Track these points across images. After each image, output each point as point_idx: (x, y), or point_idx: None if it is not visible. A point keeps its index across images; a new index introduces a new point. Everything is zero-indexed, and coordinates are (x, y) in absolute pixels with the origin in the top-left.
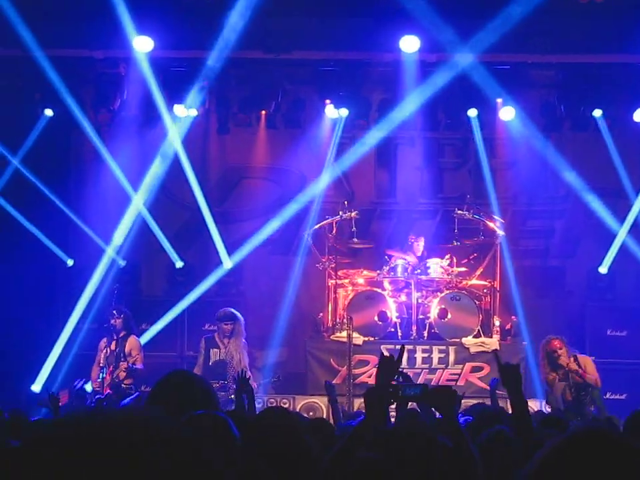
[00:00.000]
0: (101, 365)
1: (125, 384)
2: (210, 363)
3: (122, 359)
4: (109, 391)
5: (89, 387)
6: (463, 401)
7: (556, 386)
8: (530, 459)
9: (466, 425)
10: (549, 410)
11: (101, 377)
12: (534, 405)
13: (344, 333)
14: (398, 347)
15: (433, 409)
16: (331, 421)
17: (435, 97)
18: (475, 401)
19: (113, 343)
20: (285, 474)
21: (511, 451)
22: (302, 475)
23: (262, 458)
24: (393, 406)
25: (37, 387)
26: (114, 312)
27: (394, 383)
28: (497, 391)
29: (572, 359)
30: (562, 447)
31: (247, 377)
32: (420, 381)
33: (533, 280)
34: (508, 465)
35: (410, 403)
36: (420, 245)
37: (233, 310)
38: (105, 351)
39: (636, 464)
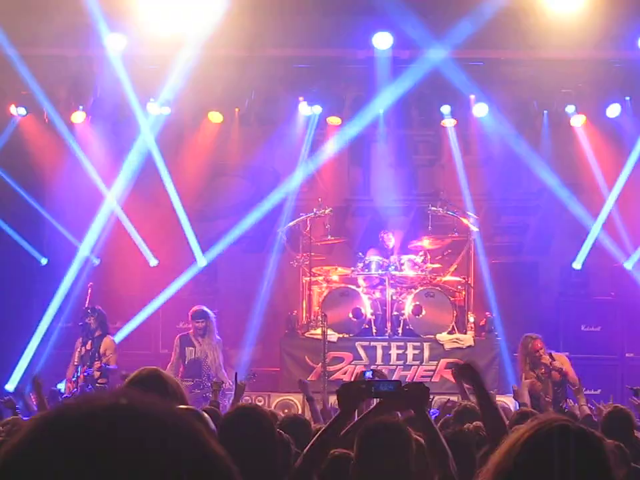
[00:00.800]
0: (76, 364)
1: (98, 383)
2: (185, 362)
3: (96, 359)
4: (83, 390)
5: (62, 386)
6: (437, 398)
7: (524, 384)
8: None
9: (434, 418)
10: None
11: (75, 376)
12: (508, 400)
13: (318, 330)
14: (373, 343)
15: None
16: (307, 417)
17: (408, 93)
18: (452, 398)
19: (89, 342)
20: (260, 470)
21: (482, 446)
22: (276, 471)
23: (236, 455)
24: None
25: (10, 386)
26: (88, 311)
27: (368, 379)
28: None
29: (548, 357)
30: (527, 436)
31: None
32: (395, 377)
33: (507, 276)
34: (480, 459)
35: None
36: (391, 240)
37: (204, 308)
38: (79, 350)
39: (597, 452)
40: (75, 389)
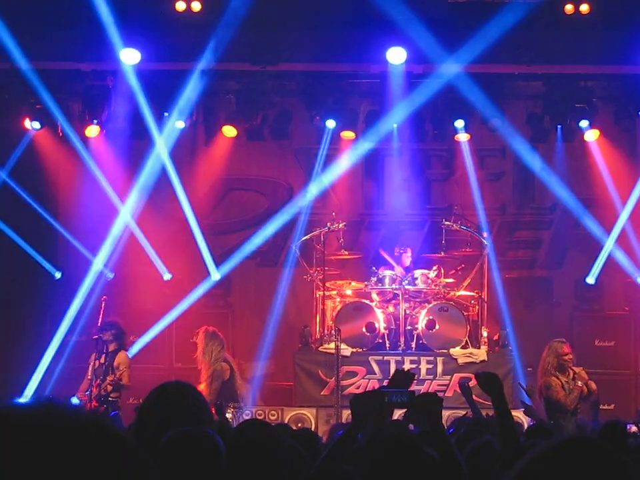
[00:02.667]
0: (89, 377)
1: (111, 397)
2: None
3: (110, 373)
4: (95, 404)
5: (75, 400)
6: (450, 412)
7: (554, 389)
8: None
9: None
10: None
11: (88, 390)
12: (522, 415)
13: (332, 345)
14: (386, 358)
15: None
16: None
17: (422, 108)
18: (464, 412)
19: (103, 356)
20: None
21: (497, 462)
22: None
23: (243, 471)
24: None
25: (24, 400)
26: (105, 326)
27: (381, 389)
28: (487, 402)
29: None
30: (543, 455)
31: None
32: None
33: (520, 291)
34: (495, 475)
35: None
36: (407, 256)
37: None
38: (93, 364)
39: (618, 472)
40: (88, 403)
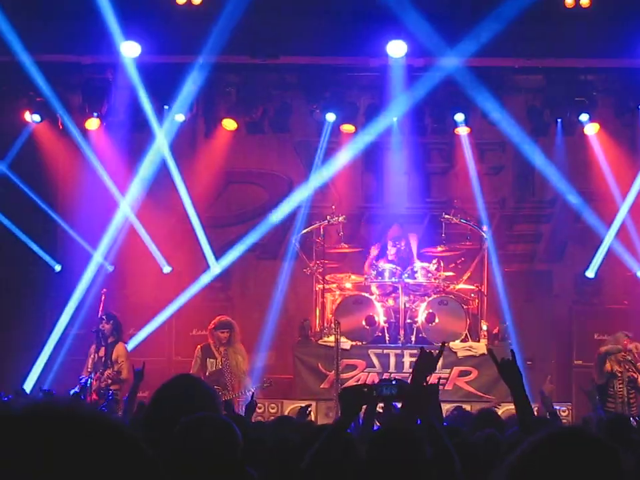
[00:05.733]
0: (89, 370)
1: (111, 389)
2: (207, 373)
3: (108, 366)
4: (95, 397)
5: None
6: (450, 406)
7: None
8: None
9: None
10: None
11: (88, 382)
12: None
13: (332, 338)
14: (386, 351)
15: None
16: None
17: (422, 101)
18: (464, 406)
19: (102, 349)
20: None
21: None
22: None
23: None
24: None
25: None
26: (103, 317)
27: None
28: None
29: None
30: (537, 445)
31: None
32: None
33: (520, 284)
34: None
35: None
36: (403, 248)
37: (227, 318)
38: (92, 356)
39: (609, 462)
40: (88, 396)
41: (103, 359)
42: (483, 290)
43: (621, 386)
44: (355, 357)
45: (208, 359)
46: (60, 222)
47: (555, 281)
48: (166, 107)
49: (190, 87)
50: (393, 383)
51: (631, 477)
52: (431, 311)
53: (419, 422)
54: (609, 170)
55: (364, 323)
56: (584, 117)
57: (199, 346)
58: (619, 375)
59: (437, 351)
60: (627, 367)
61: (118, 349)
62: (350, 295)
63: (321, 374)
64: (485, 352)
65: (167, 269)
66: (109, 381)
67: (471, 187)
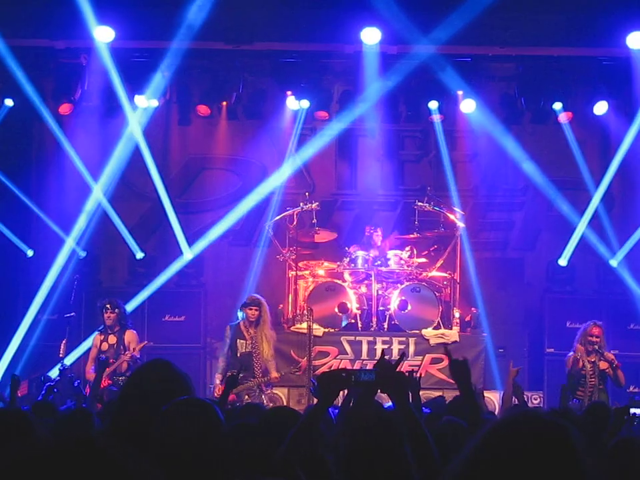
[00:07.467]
0: (102, 358)
1: (126, 376)
2: (238, 355)
3: (122, 352)
4: (109, 381)
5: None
6: (422, 393)
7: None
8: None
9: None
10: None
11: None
12: (493, 396)
13: (304, 324)
14: (358, 338)
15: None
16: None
17: (396, 89)
18: (435, 393)
19: (110, 336)
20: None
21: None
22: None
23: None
24: None
25: None
26: (107, 306)
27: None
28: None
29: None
30: (492, 430)
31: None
32: None
33: (492, 272)
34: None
35: None
36: (378, 236)
37: (258, 295)
38: (102, 345)
39: (560, 441)
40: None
41: (115, 346)
42: (455, 277)
43: (592, 378)
44: (327, 344)
45: (238, 340)
46: (32, 207)
47: (528, 269)
48: (139, 92)
49: (164, 72)
50: (372, 369)
51: (585, 455)
52: (403, 298)
53: (393, 406)
54: (582, 158)
55: (336, 310)
56: (557, 106)
57: (229, 325)
58: (590, 365)
59: (395, 362)
60: (596, 356)
61: (129, 334)
62: (323, 282)
63: (293, 361)
64: (457, 339)
65: (139, 255)
66: (125, 366)
67: (444, 174)
